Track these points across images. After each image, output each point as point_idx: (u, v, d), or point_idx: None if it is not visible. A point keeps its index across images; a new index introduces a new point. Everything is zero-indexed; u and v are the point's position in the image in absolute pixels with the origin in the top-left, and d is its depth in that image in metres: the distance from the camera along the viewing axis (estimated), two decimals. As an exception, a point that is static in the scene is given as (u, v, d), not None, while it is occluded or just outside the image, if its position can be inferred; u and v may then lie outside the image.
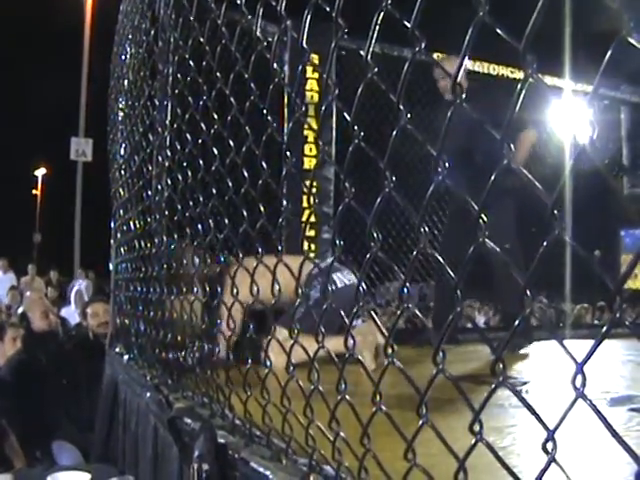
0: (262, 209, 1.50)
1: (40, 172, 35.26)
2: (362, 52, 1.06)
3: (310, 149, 6.82)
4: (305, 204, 6.42)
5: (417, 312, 1.06)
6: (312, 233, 6.94)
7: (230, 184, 1.70)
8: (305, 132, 6.87)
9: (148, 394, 2.48)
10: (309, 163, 6.91)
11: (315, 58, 7.39)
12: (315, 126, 7.26)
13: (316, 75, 6.89)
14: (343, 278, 3.46)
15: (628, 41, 0.58)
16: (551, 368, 3.36)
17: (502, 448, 1.69)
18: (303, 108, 1.31)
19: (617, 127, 9.91)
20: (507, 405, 2.12)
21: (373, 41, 0.98)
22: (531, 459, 1.50)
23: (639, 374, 3.23)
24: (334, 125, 6.96)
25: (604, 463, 1.54)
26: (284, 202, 1.37)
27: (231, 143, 1.61)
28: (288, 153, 1.33)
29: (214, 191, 1.88)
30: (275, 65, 1.31)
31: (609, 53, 0.58)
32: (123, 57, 3.79)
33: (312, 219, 6.70)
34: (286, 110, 6.20)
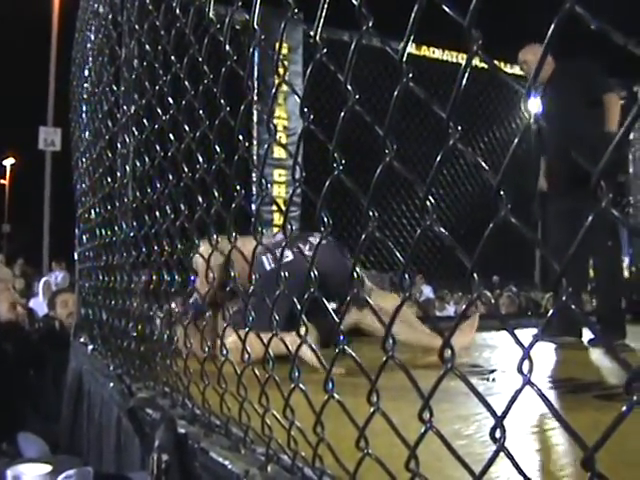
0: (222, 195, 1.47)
1: (8, 162, 34.79)
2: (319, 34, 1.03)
3: (280, 138, 6.84)
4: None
5: (367, 298, 1.03)
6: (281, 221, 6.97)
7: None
8: (275, 121, 6.86)
9: (111, 384, 2.46)
10: (278, 152, 6.92)
11: (284, 47, 7.36)
12: (284, 114, 7.26)
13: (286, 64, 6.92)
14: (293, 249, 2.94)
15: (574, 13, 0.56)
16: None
17: (467, 436, 1.69)
18: (255, 91, 1.27)
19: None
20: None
21: (321, 21, 0.96)
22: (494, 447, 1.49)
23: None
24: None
25: (559, 450, 1.54)
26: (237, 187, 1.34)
27: (187, 128, 1.58)
28: (241, 137, 1.30)
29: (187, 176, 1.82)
30: (227, 47, 1.27)
31: (553, 25, 0.56)
32: (84, 43, 3.72)
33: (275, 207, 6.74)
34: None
